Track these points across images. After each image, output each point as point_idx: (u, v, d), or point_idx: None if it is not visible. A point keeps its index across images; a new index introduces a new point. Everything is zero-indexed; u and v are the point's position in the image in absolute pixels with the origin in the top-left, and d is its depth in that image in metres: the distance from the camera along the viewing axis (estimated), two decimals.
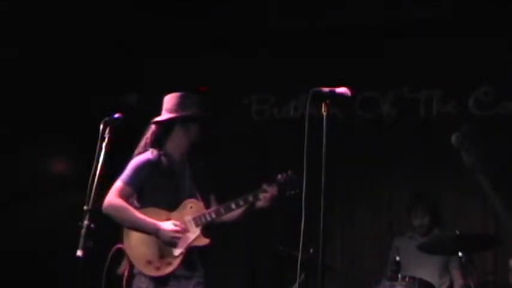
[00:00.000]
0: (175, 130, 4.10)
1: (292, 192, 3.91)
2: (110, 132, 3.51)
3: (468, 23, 5.97)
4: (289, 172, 4.00)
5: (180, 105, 4.10)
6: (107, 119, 3.55)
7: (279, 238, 5.58)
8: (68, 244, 3.47)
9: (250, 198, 4.00)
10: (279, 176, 4.02)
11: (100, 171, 3.40)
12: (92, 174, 3.38)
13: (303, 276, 4.73)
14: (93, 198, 3.38)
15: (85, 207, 3.33)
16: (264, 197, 3.98)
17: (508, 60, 5.86)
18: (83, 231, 3.28)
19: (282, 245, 5.17)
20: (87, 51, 6.37)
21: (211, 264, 4.19)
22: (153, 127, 4.15)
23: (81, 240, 3.26)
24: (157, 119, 4.13)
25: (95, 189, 3.38)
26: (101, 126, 3.51)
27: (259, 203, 4.01)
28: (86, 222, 3.30)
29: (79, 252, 3.24)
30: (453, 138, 3.84)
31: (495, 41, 5.92)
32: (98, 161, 3.43)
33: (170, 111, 4.11)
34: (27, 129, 6.10)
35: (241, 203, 4.01)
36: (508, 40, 5.86)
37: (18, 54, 6.10)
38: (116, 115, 3.60)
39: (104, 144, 3.47)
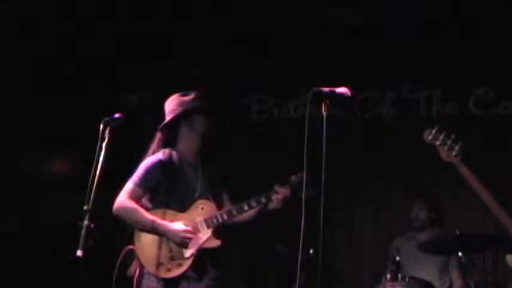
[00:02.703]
0: (181, 129, 4.09)
1: (306, 194, 3.85)
2: (110, 132, 3.52)
3: (468, 23, 5.97)
4: (303, 173, 3.95)
5: (179, 104, 4.09)
6: (107, 119, 3.55)
7: (279, 238, 5.58)
8: (68, 244, 3.47)
9: (263, 200, 3.98)
10: (293, 177, 3.99)
11: (100, 171, 3.41)
12: (92, 174, 3.39)
13: (303, 276, 4.72)
14: (93, 198, 3.39)
15: (85, 207, 3.34)
16: (276, 198, 3.96)
17: (508, 60, 5.86)
18: (83, 231, 3.29)
19: (282, 245, 5.16)
20: (87, 51, 6.37)
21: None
22: (159, 134, 4.13)
23: (81, 240, 3.27)
24: (162, 124, 4.12)
25: (95, 189, 3.38)
26: (101, 126, 3.52)
27: (272, 204, 3.99)
28: (86, 222, 3.30)
29: (79, 252, 3.25)
30: (425, 134, 3.87)
31: (495, 41, 5.93)
32: (98, 161, 3.44)
33: (173, 112, 4.10)
34: (27, 129, 6.10)
35: (253, 204, 3.98)
36: (508, 40, 5.86)
37: (18, 54, 6.10)
38: (116, 115, 3.61)
39: (104, 144, 3.48)
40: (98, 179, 3.41)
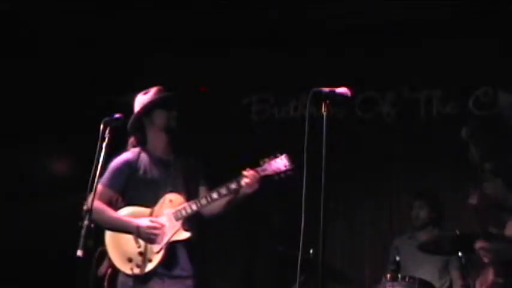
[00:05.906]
0: (145, 127, 4.10)
1: (287, 173, 3.82)
2: (110, 133, 3.52)
3: (468, 23, 5.97)
4: (278, 155, 3.92)
5: (140, 103, 4.11)
6: (107, 119, 3.56)
7: (279, 238, 5.57)
8: (68, 244, 3.47)
9: (233, 186, 3.89)
10: (265, 160, 3.93)
11: (100, 172, 3.41)
12: (92, 175, 3.39)
13: (302, 276, 4.72)
14: (93, 198, 3.40)
15: (85, 207, 3.34)
16: (245, 182, 3.87)
17: (508, 60, 5.86)
18: (83, 231, 3.29)
19: (282, 245, 5.16)
20: (87, 50, 6.37)
21: (210, 265, 4.16)
22: (131, 138, 4.15)
23: (81, 240, 3.27)
24: (128, 127, 4.10)
25: (95, 189, 3.39)
26: (101, 126, 3.52)
27: (243, 190, 3.89)
28: (86, 222, 3.31)
29: (79, 252, 3.25)
30: (463, 131, 3.88)
31: (495, 41, 5.92)
32: (98, 161, 3.44)
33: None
34: (27, 129, 6.10)
35: (223, 191, 3.90)
36: (508, 40, 5.86)
37: (18, 54, 6.11)
38: (116, 115, 3.61)
39: (104, 145, 3.48)
40: (98, 179, 3.41)
